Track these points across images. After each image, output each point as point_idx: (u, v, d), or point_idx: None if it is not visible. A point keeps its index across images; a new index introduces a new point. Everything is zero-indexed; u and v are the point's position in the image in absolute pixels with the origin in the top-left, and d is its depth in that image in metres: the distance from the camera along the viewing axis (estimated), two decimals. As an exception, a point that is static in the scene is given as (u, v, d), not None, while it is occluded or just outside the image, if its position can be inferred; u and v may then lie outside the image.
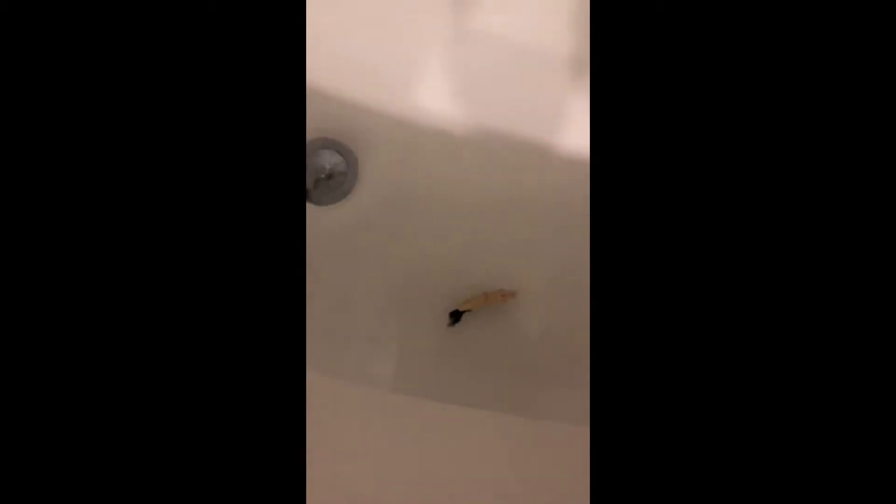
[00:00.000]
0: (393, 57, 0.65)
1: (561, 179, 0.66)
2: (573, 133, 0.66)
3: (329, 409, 0.55)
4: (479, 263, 0.66)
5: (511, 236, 0.66)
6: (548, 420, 0.61)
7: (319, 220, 0.65)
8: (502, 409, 0.61)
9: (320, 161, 0.65)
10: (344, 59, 0.64)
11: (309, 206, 0.65)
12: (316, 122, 0.64)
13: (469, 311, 0.63)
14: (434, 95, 0.65)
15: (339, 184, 0.65)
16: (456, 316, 0.63)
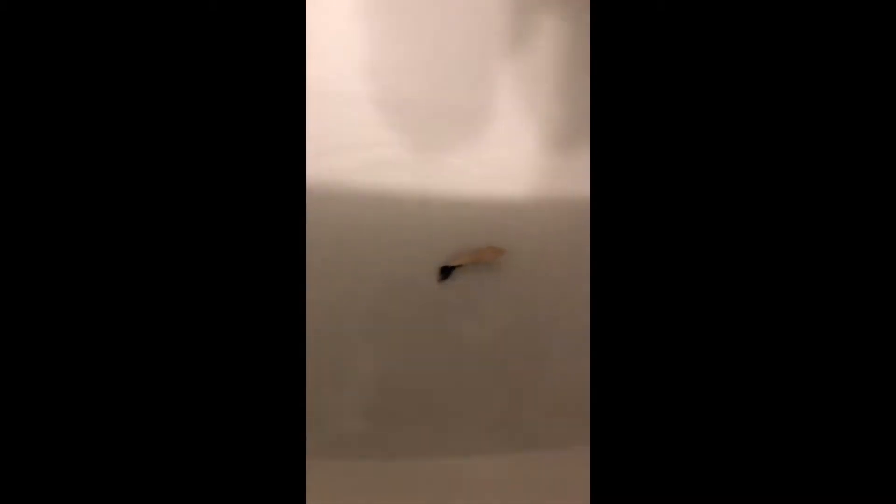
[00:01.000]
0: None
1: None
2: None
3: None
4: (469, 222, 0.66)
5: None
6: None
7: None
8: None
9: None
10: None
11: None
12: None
13: (459, 266, 0.64)
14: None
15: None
16: (446, 272, 0.64)
